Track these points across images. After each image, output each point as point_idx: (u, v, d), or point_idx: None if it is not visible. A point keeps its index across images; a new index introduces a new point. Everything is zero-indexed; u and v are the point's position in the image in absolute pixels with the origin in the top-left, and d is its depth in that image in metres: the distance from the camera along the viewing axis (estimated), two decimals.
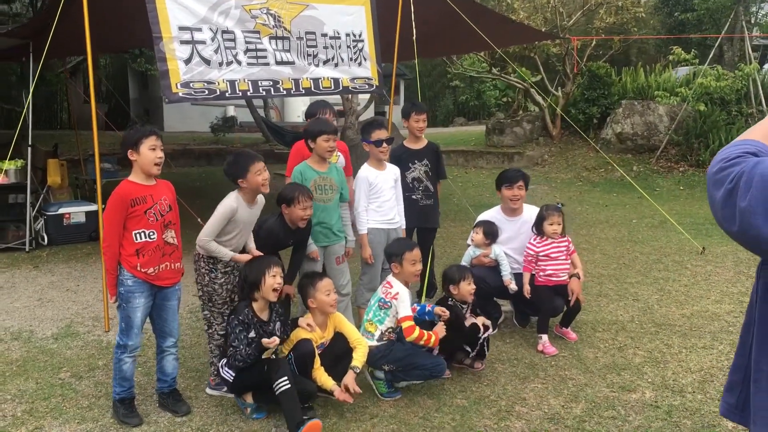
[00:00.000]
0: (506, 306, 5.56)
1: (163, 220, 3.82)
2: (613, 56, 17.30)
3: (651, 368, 4.58)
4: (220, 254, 4.03)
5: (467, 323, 4.48)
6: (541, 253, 5.02)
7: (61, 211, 8.66)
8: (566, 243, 5.08)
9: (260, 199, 4.24)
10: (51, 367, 4.69)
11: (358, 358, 3.99)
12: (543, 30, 14.84)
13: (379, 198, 5.04)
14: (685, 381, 4.36)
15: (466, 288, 4.52)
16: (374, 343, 4.15)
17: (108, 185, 8.68)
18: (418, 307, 4.45)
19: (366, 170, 5.05)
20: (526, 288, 5.02)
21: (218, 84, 5.56)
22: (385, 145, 5.02)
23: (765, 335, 1.58)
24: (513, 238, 5.26)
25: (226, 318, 4.11)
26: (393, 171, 5.18)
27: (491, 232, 5.17)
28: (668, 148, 13.90)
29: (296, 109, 23.04)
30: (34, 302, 6.23)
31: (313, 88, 6.46)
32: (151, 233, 3.77)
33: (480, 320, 4.51)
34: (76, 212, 8.75)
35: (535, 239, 5.07)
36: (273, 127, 17.05)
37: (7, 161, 8.31)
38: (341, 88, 6.77)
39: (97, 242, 7.50)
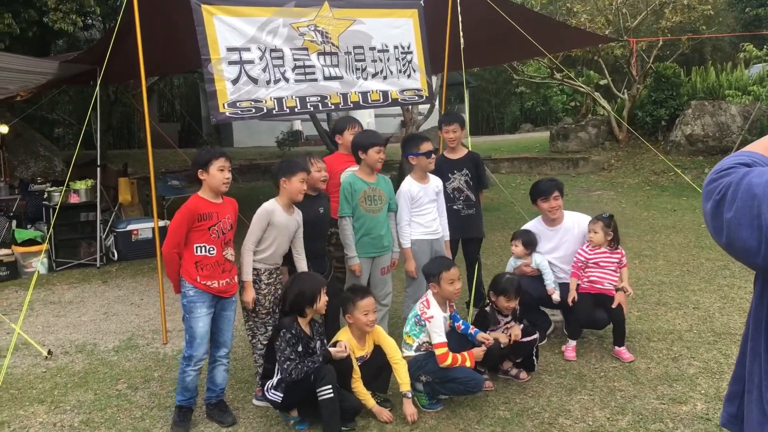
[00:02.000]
0: (556, 316, 5.47)
1: (224, 238, 4.01)
2: (686, 55, 16.69)
3: (705, 379, 4.42)
4: (244, 268, 4.17)
5: (494, 335, 4.42)
6: (590, 261, 4.95)
7: (130, 227, 9.02)
8: (619, 255, 4.99)
9: (298, 211, 4.35)
10: (110, 379, 4.90)
11: (405, 382, 4.02)
12: (606, 33, 14.53)
13: (421, 211, 5.03)
14: None
15: (503, 303, 4.52)
16: (412, 353, 4.16)
17: (176, 201, 9.05)
18: (463, 325, 4.43)
19: (409, 183, 5.04)
20: (573, 294, 4.93)
21: (266, 102, 5.70)
22: (433, 156, 5.04)
23: (757, 345, 1.54)
24: (557, 247, 5.17)
25: (268, 328, 4.22)
26: (436, 183, 5.16)
27: (530, 242, 5.12)
28: (742, 148, 13.36)
29: (362, 121, 23.21)
30: (100, 316, 6.53)
31: (361, 102, 6.53)
32: (211, 249, 3.95)
33: (502, 336, 4.41)
34: (143, 228, 9.09)
35: (587, 246, 5.00)
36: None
37: (78, 181, 8.74)
38: (390, 100, 6.82)
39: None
